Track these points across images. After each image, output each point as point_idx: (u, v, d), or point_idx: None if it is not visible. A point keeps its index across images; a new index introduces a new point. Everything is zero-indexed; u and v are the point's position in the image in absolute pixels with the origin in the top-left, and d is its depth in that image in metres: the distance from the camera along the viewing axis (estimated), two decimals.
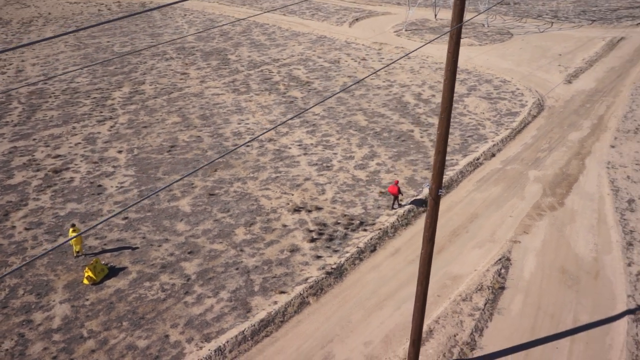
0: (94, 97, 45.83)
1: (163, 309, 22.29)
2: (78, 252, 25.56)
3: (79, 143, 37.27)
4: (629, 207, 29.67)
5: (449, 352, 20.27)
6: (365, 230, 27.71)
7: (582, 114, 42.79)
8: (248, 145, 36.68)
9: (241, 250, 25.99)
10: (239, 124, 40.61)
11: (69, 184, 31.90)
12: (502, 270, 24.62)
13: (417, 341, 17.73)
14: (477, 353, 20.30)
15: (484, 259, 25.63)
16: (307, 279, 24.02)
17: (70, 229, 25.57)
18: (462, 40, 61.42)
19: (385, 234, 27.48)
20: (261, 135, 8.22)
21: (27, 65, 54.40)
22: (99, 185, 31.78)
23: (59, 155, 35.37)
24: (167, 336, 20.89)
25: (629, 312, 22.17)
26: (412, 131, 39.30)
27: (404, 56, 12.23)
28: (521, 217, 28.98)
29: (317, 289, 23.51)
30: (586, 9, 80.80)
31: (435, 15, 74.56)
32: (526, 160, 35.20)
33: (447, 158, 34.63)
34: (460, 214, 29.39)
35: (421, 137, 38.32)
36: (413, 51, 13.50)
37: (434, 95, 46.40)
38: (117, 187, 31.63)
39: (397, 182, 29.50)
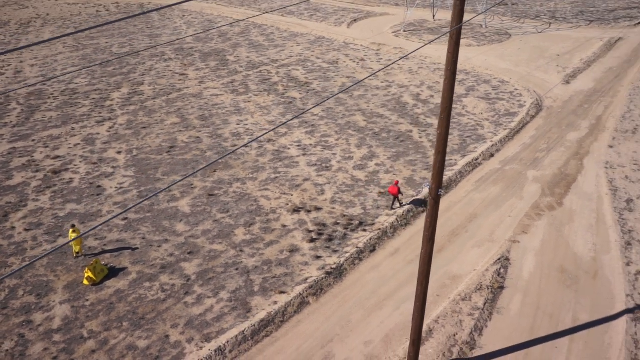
0: (93, 98, 45.84)
1: (163, 310, 22.32)
2: (78, 252, 25.58)
3: (78, 144, 37.28)
4: (628, 206, 29.76)
5: (448, 351, 20.33)
6: (364, 230, 27.76)
7: (580, 114, 42.90)
8: (247, 146, 36.71)
9: (241, 251, 26.03)
10: (238, 124, 40.66)
11: (68, 185, 31.92)
12: (502, 270, 24.69)
13: (417, 341, 17.78)
14: (477, 352, 20.36)
15: (483, 258, 25.70)
16: (306, 279, 24.07)
17: (70, 230, 25.58)
18: (460, 41, 61.47)
19: (384, 234, 27.53)
20: (261, 136, 8.27)
21: (26, 66, 54.39)
22: (99, 186, 31.80)
23: (58, 156, 35.39)
24: (167, 336, 20.92)
25: (627, 311, 22.25)
26: (411, 132, 39.38)
27: (403, 57, 12.29)
28: (520, 217, 29.06)
29: (317, 289, 23.55)
30: (584, 10, 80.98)
31: (434, 16, 74.68)
32: (525, 160, 35.29)
33: (446, 158, 34.67)
34: (460, 214, 29.46)
35: (420, 137, 38.40)
36: (413, 52, 13.56)
37: (432, 96, 46.48)
38: (116, 187, 31.65)
39: (397, 182, 29.57)
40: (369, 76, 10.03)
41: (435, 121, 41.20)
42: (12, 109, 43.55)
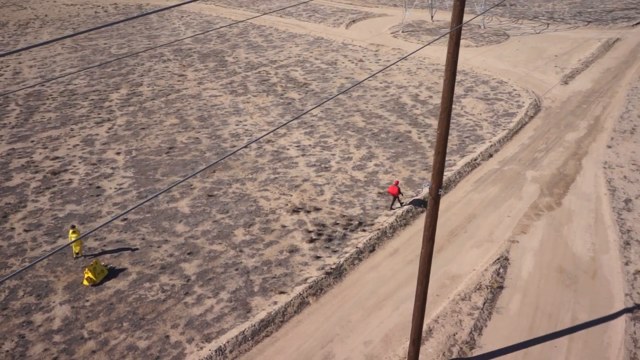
0: (92, 99, 45.86)
1: (163, 310, 22.35)
2: (77, 253, 25.60)
3: (77, 145, 37.29)
4: (626, 206, 29.86)
5: (448, 351, 20.38)
6: (364, 230, 27.82)
7: (578, 114, 43.01)
8: (246, 147, 36.75)
9: (240, 251, 26.07)
10: (237, 125, 40.70)
11: (67, 186, 31.93)
12: (501, 270, 24.76)
13: (417, 340, 17.83)
14: (477, 352, 20.42)
15: (483, 258, 25.77)
16: (306, 279, 24.11)
17: (70, 230, 25.60)
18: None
19: (383, 234, 27.59)
20: (261, 137, 8.28)
21: (24, 67, 54.38)
22: (98, 187, 31.82)
23: (57, 157, 35.39)
24: (167, 337, 20.95)
25: (626, 310, 22.32)
26: (410, 132, 39.45)
27: (402, 58, 12.35)
28: (519, 217, 29.13)
29: (317, 289, 23.60)
30: (582, 11, 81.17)
31: (432, 17, 74.80)
32: (523, 160, 35.37)
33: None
34: (459, 214, 29.52)
35: (419, 138, 38.47)
36: (412, 53, 13.62)
37: (431, 97, 46.57)
38: (115, 188, 31.67)
39: (397, 182, 29.63)
40: (368, 77, 10.09)
41: (433, 122, 41.29)
42: (11, 110, 43.55)
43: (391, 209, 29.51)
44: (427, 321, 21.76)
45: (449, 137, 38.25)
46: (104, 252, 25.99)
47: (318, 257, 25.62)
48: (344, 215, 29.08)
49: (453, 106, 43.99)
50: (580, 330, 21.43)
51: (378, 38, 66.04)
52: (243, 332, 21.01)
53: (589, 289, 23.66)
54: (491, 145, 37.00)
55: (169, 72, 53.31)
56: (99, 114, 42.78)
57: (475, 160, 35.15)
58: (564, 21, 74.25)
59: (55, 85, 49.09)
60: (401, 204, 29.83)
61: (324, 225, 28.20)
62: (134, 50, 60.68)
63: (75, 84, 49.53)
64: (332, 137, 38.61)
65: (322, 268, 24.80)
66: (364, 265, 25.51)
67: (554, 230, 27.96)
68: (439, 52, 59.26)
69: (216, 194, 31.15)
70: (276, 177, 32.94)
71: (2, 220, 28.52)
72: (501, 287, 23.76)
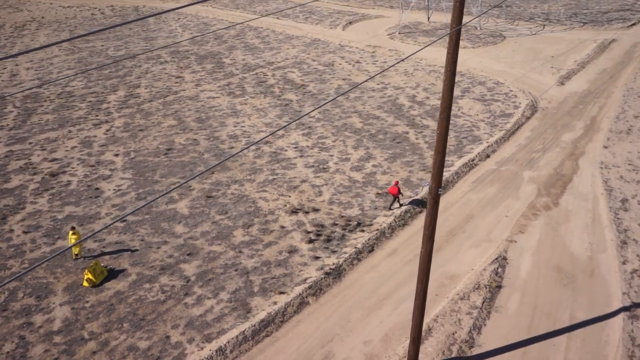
0: (89, 101, 45.87)
1: (163, 310, 22.40)
2: (77, 254, 25.64)
3: (75, 147, 37.31)
4: (623, 206, 30.04)
5: (448, 350, 20.50)
6: (362, 231, 27.92)
7: (575, 115, 43.24)
8: (242, 147, 36.80)
9: (240, 252, 26.14)
10: (235, 126, 40.77)
11: (66, 187, 31.95)
12: (499, 269, 24.89)
13: (417, 339, 17.94)
14: (476, 351, 20.54)
15: (481, 258, 25.90)
16: (306, 279, 24.20)
17: (70, 232, 25.62)
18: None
19: (382, 234, 27.70)
20: (262, 139, 8.35)
21: (22, 69, 54.35)
22: (97, 189, 31.85)
23: (55, 159, 35.40)
24: (168, 337, 21.01)
25: (624, 309, 22.48)
26: (407, 133, 39.60)
27: (401, 60, 12.48)
28: (517, 217, 29.29)
29: (316, 289, 23.69)
30: (577, 12, 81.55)
31: (428, 18, 75.03)
32: (520, 161, 35.55)
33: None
34: (457, 215, 29.66)
35: (416, 138, 38.62)
36: (411, 54, 13.75)
37: (428, 98, 46.74)
38: (114, 190, 31.71)
39: (397, 182, 29.77)
40: (367, 79, 10.20)
41: (431, 122, 41.45)
42: (9, 112, 43.53)
43: (390, 209, 29.63)
44: (426, 320, 21.87)
45: None
46: (103, 254, 26.03)
47: (317, 258, 25.72)
48: (342, 216, 29.19)
49: None
50: (578, 328, 21.58)
51: (375, 39, 66.22)
52: (243, 332, 21.08)
53: (586, 288, 23.82)
54: (488, 146, 37.18)
55: (167, 74, 53.36)
56: (97, 115, 42.81)
57: (473, 160, 35.31)
58: (560, 22, 74.60)
59: (52, 87, 49.09)
60: (400, 204, 29.95)
61: (322, 226, 28.30)
62: (131, 52, 60.70)
63: (72, 86, 49.52)
64: (330, 138, 38.73)
65: (322, 268, 24.90)
66: (363, 265, 25.61)
67: (551, 230, 28.12)
68: (435, 54, 59.47)
69: (215, 195, 31.22)
70: (275, 178, 33.04)
71: (1, 222, 28.53)
72: (500, 287, 23.89)
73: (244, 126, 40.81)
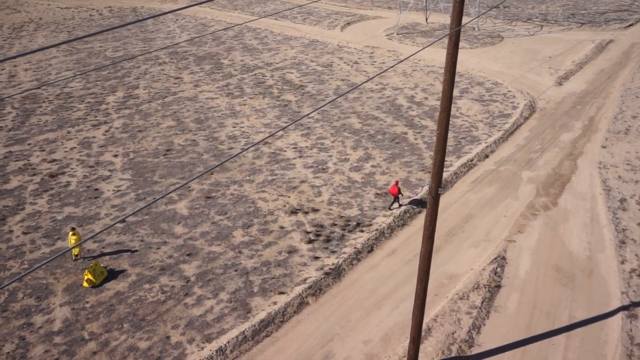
0: (88, 102, 45.87)
1: (163, 311, 22.43)
2: (77, 255, 25.65)
3: (74, 147, 37.31)
4: (621, 206, 30.14)
5: (447, 349, 20.55)
6: (362, 231, 27.97)
7: (573, 115, 43.35)
8: (242, 148, 36.84)
9: (239, 252, 26.18)
10: (234, 127, 40.81)
11: (65, 188, 31.96)
12: (498, 269, 24.96)
13: (417, 338, 17.99)
14: (475, 350, 20.59)
15: (480, 258, 25.97)
16: (305, 279, 24.24)
17: (70, 232, 25.61)
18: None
19: (381, 234, 27.76)
20: (262, 141, 8.40)
21: (20, 70, 54.32)
22: (96, 189, 31.85)
23: (54, 160, 35.40)
24: (168, 337, 21.03)
25: (622, 308, 22.56)
26: (406, 133, 39.67)
27: (400, 61, 12.55)
28: (515, 217, 29.37)
29: (316, 289, 23.73)
30: (575, 12, 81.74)
31: (427, 19, 75.15)
32: (519, 161, 35.63)
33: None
34: (456, 215, 29.73)
35: (415, 139, 38.69)
36: (411, 55, 13.81)
37: (426, 98, 46.83)
38: (114, 190, 31.72)
39: (397, 182, 29.84)
40: (366, 81, 10.25)
41: (429, 123, 41.53)
42: (7, 112, 43.52)
43: (390, 209, 29.69)
44: (426, 320, 21.92)
45: None
46: (103, 254, 26.04)
47: (317, 258, 25.76)
48: (342, 216, 29.24)
49: None
50: (577, 328, 21.64)
51: (373, 40, 66.32)
52: (243, 332, 21.12)
53: (585, 288, 23.89)
54: (487, 146, 37.26)
55: (165, 74, 53.38)
56: (96, 116, 42.81)
57: (472, 161, 35.39)
58: (558, 23, 74.76)
59: (51, 88, 49.08)
60: (400, 205, 30.01)
61: (322, 226, 28.34)
62: (130, 53, 60.70)
63: (71, 87, 49.51)
64: (328, 138, 38.79)
65: (321, 268, 24.94)
66: (363, 265, 25.66)
67: (550, 229, 28.20)
68: (434, 54, 59.58)
69: (214, 195, 31.25)
70: (274, 179, 33.08)
71: (0, 223, 28.53)
72: (499, 286, 23.95)
73: (242, 127, 40.85)
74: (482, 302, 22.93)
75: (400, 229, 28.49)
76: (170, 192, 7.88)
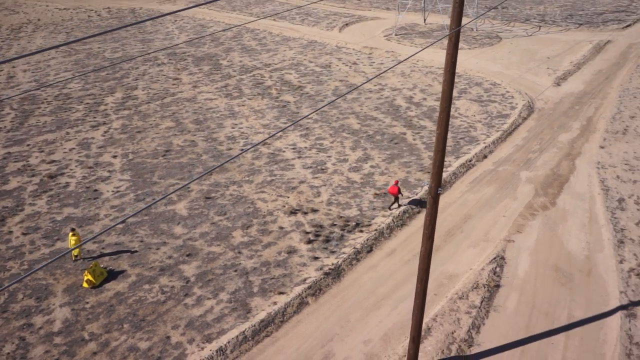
0: (87, 103, 45.87)
1: (163, 311, 22.46)
2: (76, 256, 25.67)
3: (73, 148, 37.32)
4: (619, 206, 30.23)
5: (447, 349, 20.61)
6: (361, 231, 28.03)
7: (571, 115, 43.47)
8: (242, 149, 36.90)
9: (239, 253, 26.22)
10: (233, 128, 40.85)
11: (64, 189, 31.97)
12: (497, 269, 25.03)
13: (417, 337, 18.04)
14: (475, 350, 20.65)
15: (479, 258, 26.04)
16: (305, 279, 24.29)
17: (70, 233, 25.63)
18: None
19: (381, 234, 27.82)
20: (262, 142, 8.44)
21: (18, 72, 54.30)
22: (95, 190, 31.87)
23: (53, 161, 35.41)
24: (168, 337, 21.06)
25: (621, 307, 22.64)
26: (405, 134, 39.74)
27: (400, 62, 12.61)
28: (514, 217, 29.44)
29: (316, 290, 23.78)
30: (573, 13, 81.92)
31: (425, 20, 75.26)
32: (517, 161, 35.73)
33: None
34: (454, 215, 29.80)
35: (414, 139, 38.76)
36: (411, 56, 13.87)
37: (425, 99, 46.91)
38: (113, 191, 31.74)
39: (397, 182, 29.91)
40: (365, 82, 10.29)
41: (428, 123, 41.61)
42: (6, 114, 43.51)
43: (390, 209, 29.75)
44: (425, 320, 21.98)
45: None
46: (102, 255, 26.06)
47: (316, 258, 25.81)
48: (341, 217, 29.29)
49: None
50: (576, 327, 21.72)
51: (371, 41, 66.41)
52: (243, 332, 21.16)
53: (584, 287, 23.97)
54: (485, 147, 37.34)
55: (164, 75, 53.40)
56: (95, 117, 42.82)
57: (470, 161, 35.47)
58: (556, 23, 74.92)
59: (49, 89, 49.07)
60: (399, 205, 30.07)
61: (321, 227, 28.39)
62: (128, 53, 60.71)
63: (69, 88, 49.51)
64: (327, 139, 38.85)
65: (321, 268, 24.99)
66: (362, 265, 25.72)
67: (549, 229, 28.29)
68: (433, 55, 59.68)
69: (214, 196, 31.29)
70: (273, 179, 33.12)
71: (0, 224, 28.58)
72: (498, 286, 24.02)
73: (241, 127, 40.89)
74: (482, 302, 23.00)
75: (399, 229, 28.55)
76: (171, 194, 7.92)
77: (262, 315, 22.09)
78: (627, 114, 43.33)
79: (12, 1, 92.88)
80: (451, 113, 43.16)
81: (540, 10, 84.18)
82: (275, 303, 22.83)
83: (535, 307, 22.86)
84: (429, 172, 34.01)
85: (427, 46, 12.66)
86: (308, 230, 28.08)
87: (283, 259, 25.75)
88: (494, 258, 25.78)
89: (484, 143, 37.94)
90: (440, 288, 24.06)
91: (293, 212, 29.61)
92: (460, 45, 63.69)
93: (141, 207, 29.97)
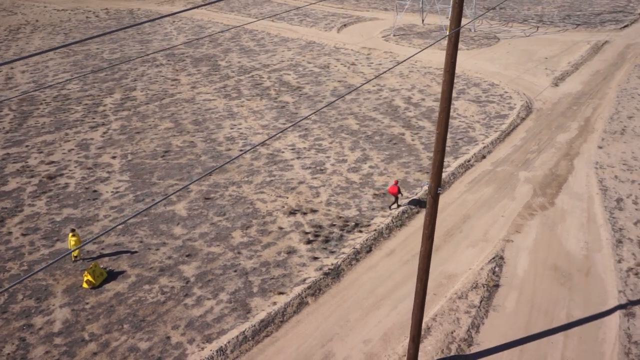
0: (86, 104, 45.88)
1: (163, 311, 22.49)
2: (76, 256, 25.69)
3: (73, 149, 37.34)
4: (618, 205, 30.33)
5: (447, 348, 20.67)
6: (360, 231, 28.09)
7: (569, 116, 43.58)
8: (241, 149, 36.95)
9: (239, 253, 26.26)
10: (232, 128, 40.89)
11: (64, 190, 31.98)
12: (496, 269, 25.11)
13: (416, 337, 18.10)
14: (474, 349, 20.72)
15: (478, 257, 26.11)
16: (305, 279, 24.34)
17: (70, 234, 25.66)
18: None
19: (380, 235, 27.88)
20: (262, 143, 8.51)
21: (17, 73, 54.29)
22: (94, 191, 31.89)
23: (52, 162, 35.43)
24: (168, 337, 21.09)
25: (620, 306, 22.72)
26: (403, 134, 39.82)
27: (399, 63, 12.67)
28: (513, 216, 29.53)
29: (315, 290, 23.83)
30: (570, 14, 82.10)
31: (423, 21, 75.38)
32: (516, 161, 35.82)
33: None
34: (453, 215, 29.87)
35: (412, 140, 38.84)
36: (410, 57, 13.93)
37: (423, 99, 47.00)
38: (112, 192, 31.76)
39: (397, 182, 29.97)
40: (365, 83, 10.35)
41: (427, 124, 41.70)
42: (5, 115, 43.49)
43: (389, 209, 29.81)
44: (425, 319, 22.04)
45: None
46: (102, 255, 26.08)
47: (316, 258, 25.86)
48: (340, 217, 29.35)
49: None
50: (575, 326, 21.80)
51: (370, 42, 66.50)
52: (243, 332, 21.20)
53: (583, 287, 24.06)
54: (484, 147, 37.43)
55: (162, 76, 53.42)
56: (94, 118, 42.84)
57: (469, 161, 35.55)
58: (553, 24, 75.09)
59: (48, 90, 49.07)
60: (398, 205, 30.13)
61: (320, 227, 28.45)
62: (127, 54, 60.71)
63: (68, 89, 49.51)
64: (326, 140, 38.91)
65: (320, 269, 25.04)
66: (362, 265, 25.77)
67: (547, 229, 28.37)
68: (431, 56, 59.79)
69: (213, 196, 31.32)
70: (272, 180, 33.17)
71: None
72: (497, 286, 24.09)
73: (240, 128, 40.93)
74: (481, 302, 23.07)
75: (398, 229, 28.62)
76: (171, 194, 7.96)
77: (262, 315, 22.14)
78: (625, 114, 43.46)
79: (10, 2, 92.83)
80: (450, 113, 43.29)
81: (538, 11, 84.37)
82: (275, 303, 22.88)
83: (534, 306, 22.94)
84: (427, 173, 34.10)
85: (426, 47, 12.73)
86: (307, 230, 28.13)
87: (282, 259, 25.80)
88: (493, 258, 25.86)
89: (483, 143, 38.03)
90: (440, 288, 24.13)
91: (292, 213, 29.66)
92: (459, 45, 63.73)
93: (141, 207, 30.00)
